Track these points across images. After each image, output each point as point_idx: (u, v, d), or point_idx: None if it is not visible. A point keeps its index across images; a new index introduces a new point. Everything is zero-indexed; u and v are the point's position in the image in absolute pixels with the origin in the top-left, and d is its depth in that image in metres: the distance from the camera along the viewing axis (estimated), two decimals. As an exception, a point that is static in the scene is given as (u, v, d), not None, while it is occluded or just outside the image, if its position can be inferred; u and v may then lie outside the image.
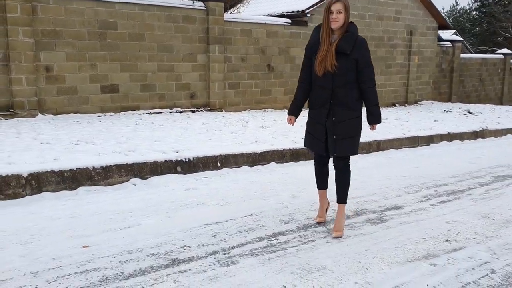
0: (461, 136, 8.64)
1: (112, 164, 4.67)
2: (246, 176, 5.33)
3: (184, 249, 3.22)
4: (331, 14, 3.26)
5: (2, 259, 2.93)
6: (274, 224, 3.79)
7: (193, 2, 9.98)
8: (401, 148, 7.56)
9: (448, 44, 16.26)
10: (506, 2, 26.77)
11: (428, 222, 3.95)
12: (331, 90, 3.35)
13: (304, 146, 3.74)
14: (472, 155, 7.16)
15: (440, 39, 16.02)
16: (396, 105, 14.73)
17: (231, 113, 9.98)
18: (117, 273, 2.81)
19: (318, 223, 3.76)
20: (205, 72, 10.22)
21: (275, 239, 3.46)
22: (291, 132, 7.02)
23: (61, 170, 4.35)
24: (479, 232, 3.73)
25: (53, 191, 4.31)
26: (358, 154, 5.60)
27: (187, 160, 5.21)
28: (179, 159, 5.16)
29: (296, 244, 3.37)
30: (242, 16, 10.92)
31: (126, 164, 4.77)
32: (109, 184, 4.65)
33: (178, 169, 5.15)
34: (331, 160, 3.60)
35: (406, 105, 14.92)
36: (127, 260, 3.00)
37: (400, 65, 14.70)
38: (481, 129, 9.09)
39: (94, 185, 4.55)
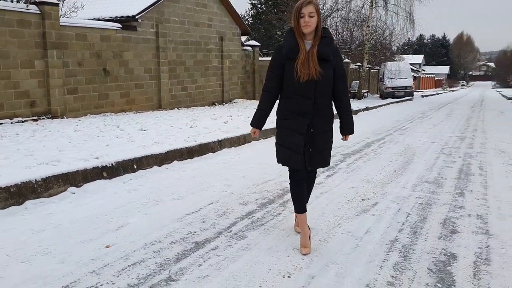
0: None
1: (51, 175, 4.62)
2: (166, 175, 5.78)
3: (193, 235, 3.72)
4: (302, 18, 3.03)
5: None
6: (238, 206, 4.50)
7: (27, 5, 9.42)
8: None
9: (249, 48, 18.42)
10: (278, 11, 31.08)
11: (337, 190, 5.20)
12: (313, 100, 3.11)
13: (279, 162, 3.31)
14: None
15: (242, 44, 18.04)
16: (216, 104, 16.12)
17: (80, 119, 9.77)
18: (165, 259, 3.20)
19: (305, 254, 3.27)
20: (43, 78, 9.77)
21: (252, 216, 4.20)
22: (170, 134, 7.58)
23: (7, 186, 4.18)
24: (374, 191, 5.13)
25: (2, 208, 4.13)
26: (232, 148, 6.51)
27: (110, 165, 5.39)
28: (104, 165, 5.31)
29: (272, 217, 4.19)
30: (77, 21, 10.69)
31: (62, 173, 4.76)
32: (50, 195, 4.60)
33: (104, 174, 5.31)
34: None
35: (224, 103, 16.45)
36: (160, 249, 3.38)
37: (216, 67, 16.14)
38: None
39: (38, 197, 4.47)
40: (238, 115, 10.97)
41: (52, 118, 9.91)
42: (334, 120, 3.31)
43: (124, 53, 11.91)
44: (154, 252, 3.35)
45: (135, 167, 5.74)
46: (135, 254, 3.29)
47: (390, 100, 23.42)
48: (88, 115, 10.91)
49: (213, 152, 7.31)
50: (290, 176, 3.36)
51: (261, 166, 6.35)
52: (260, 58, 19.26)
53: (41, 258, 3.20)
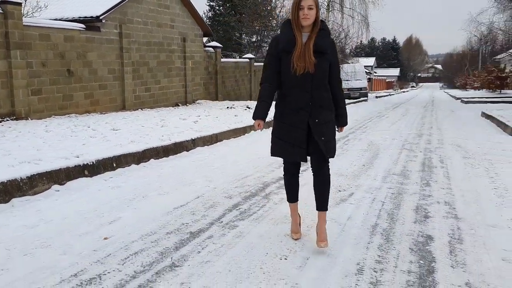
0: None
1: (35, 173, 4.65)
2: (145, 173, 5.88)
3: (186, 226, 3.88)
4: (301, 10, 3.02)
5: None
6: (223, 199, 4.69)
7: (-12, 4, 9.22)
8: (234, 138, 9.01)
9: (211, 50, 18.55)
10: (237, 13, 31.33)
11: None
12: (310, 93, 3.12)
13: (273, 155, 3.36)
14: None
15: (204, 45, 18.16)
16: (179, 105, 16.16)
17: (48, 120, 9.62)
18: (165, 248, 3.35)
19: (296, 239, 3.51)
20: (7, 79, 9.56)
21: (239, 208, 4.40)
22: (144, 133, 7.65)
23: (-6, 184, 4.19)
24: (348, 183, 5.44)
25: (-10, 206, 4.14)
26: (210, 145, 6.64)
27: (91, 163, 5.45)
28: (85, 163, 5.36)
29: (258, 208, 4.41)
30: (41, 21, 10.52)
31: (46, 172, 4.79)
32: (35, 193, 4.63)
33: (86, 172, 5.36)
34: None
35: (187, 104, 16.51)
36: (158, 239, 3.53)
37: (179, 68, 16.18)
38: (270, 119, 11.34)
39: (24, 195, 4.49)
40: (206, 115, 11.11)
41: (16, 119, 9.71)
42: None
43: (88, 54, 11.80)
44: (152, 242, 3.49)
45: (114, 165, 5.81)
46: (134, 245, 3.43)
47: (346, 101, 24.09)
48: (53, 116, 10.74)
49: (187, 150, 7.44)
50: (285, 169, 3.46)
51: (237, 163, 6.54)
52: (222, 60, 19.42)
53: (42, 251, 3.28)
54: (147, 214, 4.16)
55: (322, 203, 3.35)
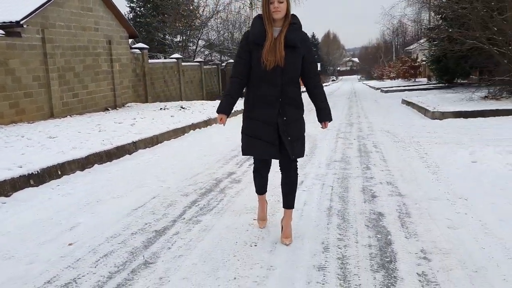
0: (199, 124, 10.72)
1: (-21, 186, 4.45)
2: (93, 178, 5.77)
3: (150, 225, 3.92)
4: (271, 4, 2.98)
5: None
6: (180, 198, 4.75)
7: None
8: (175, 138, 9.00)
9: (138, 51, 18.23)
10: (159, 13, 30.94)
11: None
12: (280, 87, 3.07)
13: (244, 154, 3.32)
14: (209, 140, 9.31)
15: (130, 47, 17.81)
16: (109, 109, 15.75)
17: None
18: (133, 247, 3.39)
19: (261, 227, 3.65)
20: None
21: (198, 204, 4.49)
22: (83, 139, 7.47)
23: None
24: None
25: None
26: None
27: (36, 172, 5.28)
28: (30, 173, 5.19)
29: (216, 203, 4.52)
30: (-45, 27, 9.85)
31: (-10, 184, 4.60)
32: (-20, 207, 4.43)
33: (31, 182, 5.19)
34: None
35: (117, 108, 16.11)
36: (124, 240, 3.55)
37: (106, 72, 15.75)
38: (208, 118, 11.43)
39: (-30, 210, 4.29)
40: (141, 117, 10.97)
41: None
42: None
43: (9, 61, 11.18)
44: (119, 243, 3.51)
45: (59, 172, 5.65)
46: (102, 247, 3.42)
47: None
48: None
49: (129, 153, 7.36)
50: (255, 168, 3.44)
51: (184, 162, 6.59)
52: (150, 61, 19.13)
53: (7, 262, 3.19)
54: (107, 217, 4.14)
55: (288, 202, 3.33)
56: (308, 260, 3.01)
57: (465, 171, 5.25)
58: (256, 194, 3.65)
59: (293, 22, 3.08)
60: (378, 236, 3.41)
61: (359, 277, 2.75)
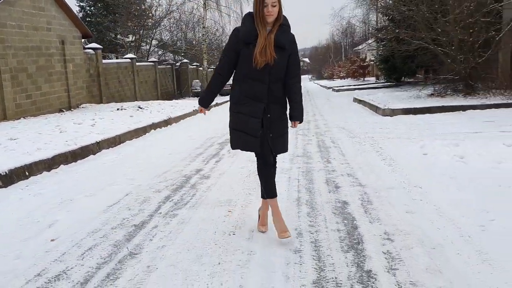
0: (159, 124, 10.80)
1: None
2: (61, 178, 5.81)
3: (128, 220, 4.07)
4: (265, 7, 3.06)
5: None
6: (153, 194, 4.91)
7: None
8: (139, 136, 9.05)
9: (92, 51, 17.97)
10: (110, 13, 30.46)
11: (232, 170, 5.91)
12: (267, 85, 3.19)
13: (233, 148, 3.44)
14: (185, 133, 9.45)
15: (84, 47, 17.53)
16: (64, 110, 15.46)
17: None
18: (116, 241, 3.55)
19: (263, 232, 3.58)
20: None
21: (172, 200, 4.67)
22: (47, 140, 7.44)
23: None
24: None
25: None
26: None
27: (4, 173, 5.28)
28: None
29: (190, 197, 4.71)
30: None
31: (-40, 186, 4.59)
32: (-48, 209, 4.42)
33: (0, 183, 5.19)
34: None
35: (71, 109, 15.84)
36: (105, 234, 3.69)
37: (59, 72, 15.46)
38: (168, 117, 11.51)
39: None
40: (100, 118, 10.92)
41: None
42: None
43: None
44: (101, 237, 3.65)
45: (27, 173, 5.66)
46: (85, 242, 3.56)
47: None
48: None
49: (93, 154, 7.39)
50: (257, 162, 3.44)
51: (150, 161, 6.72)
52: (104, 61, 18.88)
53: (-9, 260, 3.27)
54: (83, 214, 4.25)
55: (271, 191, 3.43)
56: (284, 245, 3.28)
57: (417, 162, 5.70)
58: (261, 199, 3.61)
59: (283, 24, 3.18)
60: (345, 221, 3.73)
61: (332, 257, 3.04)
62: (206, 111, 3.50)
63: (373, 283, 2.67)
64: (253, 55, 3.11)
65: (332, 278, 2.75)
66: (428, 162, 5.67)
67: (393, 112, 11.19)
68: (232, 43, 3.22)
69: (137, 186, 5.23)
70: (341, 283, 2.68)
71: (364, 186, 4.78)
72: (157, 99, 22.89)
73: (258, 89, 3.19)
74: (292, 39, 3.24)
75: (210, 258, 3.12)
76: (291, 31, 3.27)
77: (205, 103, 3.44)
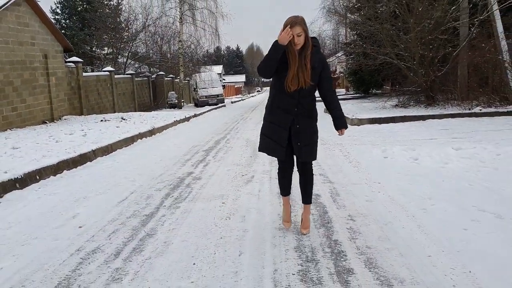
0: (145, 134, 11.57)
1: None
2: (69, 181, 6.53)
3: (139, 212, 4.88)
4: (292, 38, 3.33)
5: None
6: (155, 192, 5.73)
7: None
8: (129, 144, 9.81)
9: (72, 65, 18.58)
10: (85, 26, 31.02)
11: (220, 172, 6.78)
12: (297, 100, 3.51)
13: (260, 151, 3.80)
14: (170, 142, 10.26)
15: (65, 60, 18.13)
16: (47, 122, 16.01)
17: None
18: (133, 226, 4.37)
19: (286, 228, 4.00)
20: None
21: (172, 196, 5.50)
22: (48, 148, 8.15)
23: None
24: (246, 170, 6.85)
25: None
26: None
27: (20, 177, 6.02)
28: (16, 177, 5.92)
29: (187, 194, 5.55)
30: None
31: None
32: (-18, 206, 5.14)
33: (17, 185, 5.92)
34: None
35: (54, 121, 16.39)
36: (123, 222, 4.50)
37: (42, 86, 16.03)
38: (152, 128, 12.30)
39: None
40: (89, 128, 11.62)
41: None
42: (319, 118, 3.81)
43: (-49, 76, 11.38)
44: (120, 224, 4.46)
45: (37, 177, 6.39)
46: (107, 228, 4.37)
47: (208, 107, 25.72)
48: None
49: (90, 161, 8.13)
50: (279, 167, 3.90)
51: (145, 166, 7.51)
52: (84, 74, 19.48)
53: (36, 241, 4.05)
54: (99, 208, 5.04)
55: (305, 198, 3.89)
56: (271, 225, 4.18)
57: (378, 164, 6.70)
58: (281, 196, 4.09)
59: (313, 45, 3.49)
60: (318, 208, 4.65)
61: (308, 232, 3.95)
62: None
63: (339, 247, 3.59)
64: (285, 81, 3.46)
65: (308, 245, 3.66)
66: (387, 163, 6.67)
67: (360, 122, 12.27)
68: (276, 55, 3.41)
69: (139, 186, 6.04)
70: (315, 248, 3.59)
71: (333, 183, 5.72)
72: (135, 111, 23.54)
73: (288, 102, 3.53)
74: (321, 58, 3.54)
75: (213, 234, 3.99)
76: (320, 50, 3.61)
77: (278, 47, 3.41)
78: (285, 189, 3.94)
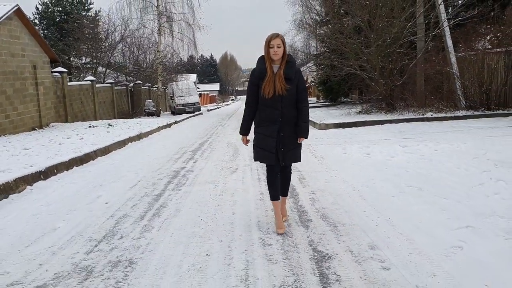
0: (133, 138, 12.84)
1: (16, 178, 6.43)
2: (81, 174, 7.80)
3: (149, 193, 6.22)
4: (271, 48, 3.83)
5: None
6: (158, 180, 7.08)
7: None
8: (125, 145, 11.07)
9: (58, 75, 19.65)
10: (63, 36, 31.96)
11: (208, 166, 8.17)
12: (280, 110, 3.92)
13: (255, 160, 4.23)
14: (157, 145, 11.57)
15: (51, 70, 19.20)
16: (36, 129, 17.05)
17: None
18: (148, 202, 5.73)
19: (280, 234, 4.16)
20: None
21: (173, 182, 6.86)
22: (57, 149, 9.37)
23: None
24: (231, 165, 8.27)
25: None
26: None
27: (44, 170, 7.28)
28: (40, 170, 7.18)
29: (185, 181, 6.93)
30: None
31: (22, 176, 6.58)
32: (20, 191, 6.40)
33: (42, 177, 7.18)
34: None
35: (43, 128, 17.44)
36: (139, 199, 5.85)
37: (32, 94, 17.08)
38: (139, 132, 13.57)
39: (9, 194, 6.26)
40: (83, 133, 12.81)
41: None
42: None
43: (-46, 85, 12.41)
44: (137, 200, 5.81)
45: (55, 171, 7.65)
46: (128, 203, 5.71)
47: (186, 115, 26.97)
48: None
49: (93, 160, 9.39)
50: (267, 170, 4.25)
51: (143, 162, 8.84)
52: (69, 83, 20.55)
53: (76, 212, 5.36)
54: (116, 191, 6.36)
55: (284, 191, 4.43)
56: (254, 198, 5.61)
57: (338, 158, 8.22)
58: (272, 202, 4.40)
59: (288, 61, 3.97)
60: (290, 189, 6.11)
61: (281, 201, 5.40)
62: (247, 139, 4.30)
63: (303, 209, 5.05)
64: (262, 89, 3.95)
65: (282, 208, 5.11)
66: (345, 157, 8.20)
67: (326, 126, 13.84)
68: (253, 80, 4.04)
69: (143, 177, 7.38)
70: (287, 209, 5.04)
71: (301, 171, 7.20)
72: (114, 118, 24.61)
73: (273, 114, 3.97)
74: (297, 71, 4.01)
75: (212, 203, 5.40)
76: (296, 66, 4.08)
77: (245, 131, 4.24)
78: (276, 192, 4.28)
